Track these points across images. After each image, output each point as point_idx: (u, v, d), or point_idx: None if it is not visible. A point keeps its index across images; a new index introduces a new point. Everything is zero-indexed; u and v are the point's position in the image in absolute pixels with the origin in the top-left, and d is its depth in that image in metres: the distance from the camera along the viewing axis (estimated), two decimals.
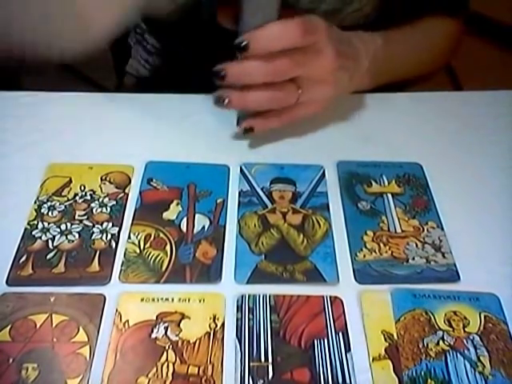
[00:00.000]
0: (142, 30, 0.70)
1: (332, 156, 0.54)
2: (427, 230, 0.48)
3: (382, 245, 0.47)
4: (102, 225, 0.47)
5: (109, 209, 0.49)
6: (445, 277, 0.44)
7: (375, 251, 0.46)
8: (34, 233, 0.46)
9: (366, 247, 0.46)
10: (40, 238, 0.46)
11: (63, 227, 0.47)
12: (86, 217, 0.48)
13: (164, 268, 0.44)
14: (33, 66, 0.44)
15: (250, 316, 0.41)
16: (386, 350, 0.40)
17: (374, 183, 0.52)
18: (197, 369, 0.38)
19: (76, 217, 0.48)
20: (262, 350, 0.40)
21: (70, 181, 0.51)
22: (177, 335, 0.40)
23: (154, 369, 0.38)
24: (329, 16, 0.63)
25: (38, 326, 0.40)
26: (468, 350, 0.40)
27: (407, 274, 0.45)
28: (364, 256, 0.46)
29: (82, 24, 0.44)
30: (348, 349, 0.40)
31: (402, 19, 0.62)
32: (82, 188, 0.50)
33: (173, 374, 0.38)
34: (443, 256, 0.46)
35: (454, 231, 0.48)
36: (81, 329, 0.40)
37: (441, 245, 0.47)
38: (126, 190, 0.50)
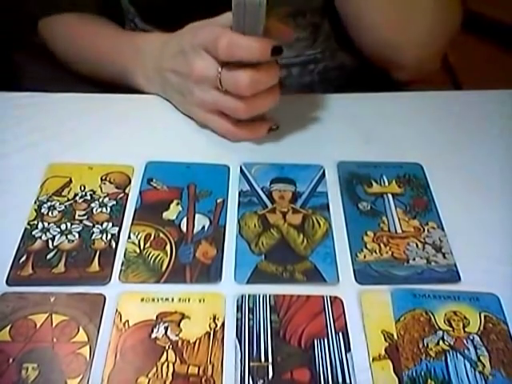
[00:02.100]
0: (133, 15, 0.69)
1: (332, 156, 0.54)
2: (428, 230, 0.48)
3: (382, 245, 0.47)
4: (101, 225, 0.47)
5: (109, 209, 0.49)
6: (445, 277, 0.44)
7: (376, 252, 0.46)
8: (34, 233, 0.46)
9: (366, 248, 0.46)
10: (40, 237, 0.46)
11: (63, 227, 0.47)
12: (86, 217, 0.48)
13: (164, 268, 0.44)
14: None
15: (250, 316, 0.41)
16: (385, 349, 0.40)
17: (374, 183, 0.52)
18: (197, 369, 0.38)
19: (76, 217, 0.48)
20: (262, 349, 0.40)
21: (70, 181, 0.51)
22: (177, 335, 0.40)
23: (154, 369, 0.38)
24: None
25: (37, 325, 0.40)
26: (468, 349, 0.40)
27: (407, 274, 0.44)
28: (364, 256, 0.46)
29: None
30: (348, 349, 0.40)
31: None
32: (82, 188, 0.50)
33: (173, 374, 0.38)
34: (444, 256, 0.46)
35: (454, 231, 0.48)
36: (81, 329, 0.40)
37: (441, 245, 0.47)
38: (126, 190, 0.50)
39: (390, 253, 0.46)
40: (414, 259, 0.46)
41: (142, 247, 0.46)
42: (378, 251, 0.46)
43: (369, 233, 0.48)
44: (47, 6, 0.67)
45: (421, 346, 0.40)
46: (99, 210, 0.49)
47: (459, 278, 0.44)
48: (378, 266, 0.45)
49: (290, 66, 0.67)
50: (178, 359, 0.39)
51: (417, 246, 0.47)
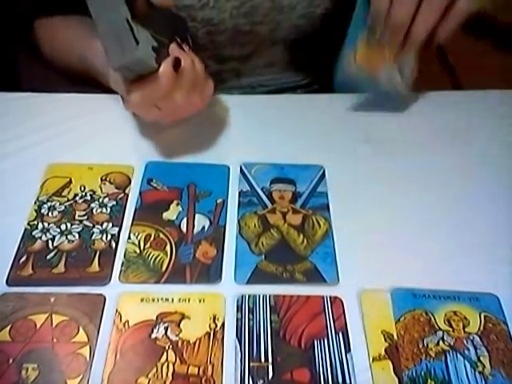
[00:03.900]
0: None
1: (331, 156, 0.54)
2: None
3: None
4: (102, 225, 0.47)
5: (109, 209, 0.49)
6: None
7: None
8: (34, 233, 0.46)
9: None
10: (40, 238, 0.46)
11: (63, 227, 0.47)
12: (86, 217, 0.48)
13: (164, 268, 0.44)
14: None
15: (250, 316, 0.41)
16: (385, 350, 0.40)
17: None
18: (197, 369, 0.38)
19: (76, 217, 0.48)
20: (262, 349, 0.40)
21: (70, 181, 0.51)
22: (177, 335, 0.40)
23: (154, 369, 0.38)
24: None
25: (38, 326, 0.40)
26: (468, 350, 0.40)
27: None
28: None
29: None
30: (348, 349, 0.40)
31: None
32: (82, 188, 0.50)
33: (173, 374, 0.38)
34: None
35: (454, 231, 0.48)
36: (81, 329, 0.40)
37: None
38: (126, 191, 0.50)
39: None
40: None
41: (142, 247, 0.46)
42: None
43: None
44: (37, 9, 0.66)
45: (421, 346, 0.40)
46: (99, 210, 0.49)
47: None
48: None
49: (296, 88, 0.68)
50: (178, 359, 0.39)
51: None
